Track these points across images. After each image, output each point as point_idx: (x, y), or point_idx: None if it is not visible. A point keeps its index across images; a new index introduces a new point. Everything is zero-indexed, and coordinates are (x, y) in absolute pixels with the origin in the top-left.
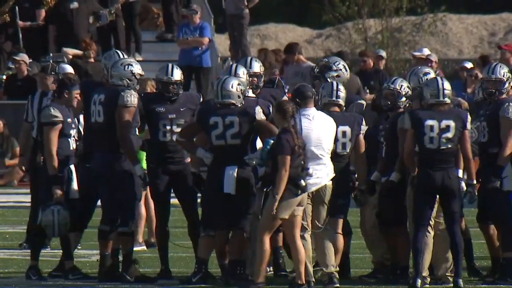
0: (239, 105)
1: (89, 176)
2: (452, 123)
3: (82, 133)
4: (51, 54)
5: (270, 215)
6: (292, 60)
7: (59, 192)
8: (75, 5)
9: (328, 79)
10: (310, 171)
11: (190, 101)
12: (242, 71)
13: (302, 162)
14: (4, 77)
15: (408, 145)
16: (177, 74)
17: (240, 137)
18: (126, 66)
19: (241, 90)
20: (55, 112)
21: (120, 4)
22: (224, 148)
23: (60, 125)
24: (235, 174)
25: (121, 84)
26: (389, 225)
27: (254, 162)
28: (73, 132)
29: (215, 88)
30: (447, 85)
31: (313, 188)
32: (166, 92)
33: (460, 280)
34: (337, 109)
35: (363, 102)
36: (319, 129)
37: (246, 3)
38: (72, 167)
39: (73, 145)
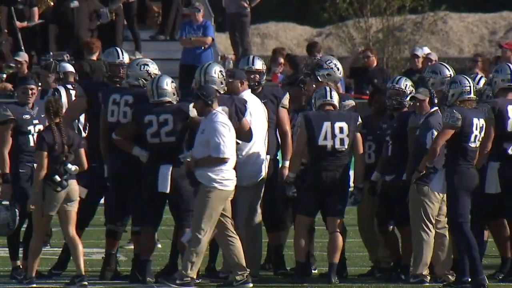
0: (174, 103)
1: (95, 175)
2: (484, 122)
3: (82, 132)
4: (51, 53)
5: (35, 212)
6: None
7: (6, 191)
8: (75, 4)
9: (318, 77)
10: (70, 167)
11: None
12: (259, 63)
13: (64, 158)
14: (4, 75)
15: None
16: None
17: (175, 135)
18: (142, 66)
19: (175, 87)
20: (4, 111)
21: (122, 3)
22: (159, 146)
23: (11, 124)
24: (170, 173)
25: (137, 84)
26: (389, 225)
27: (188, 160)
28: (33, 128)
29: (149, 87)
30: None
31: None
32: None
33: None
34: (332, 108)
35: None
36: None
37: (248, 2)
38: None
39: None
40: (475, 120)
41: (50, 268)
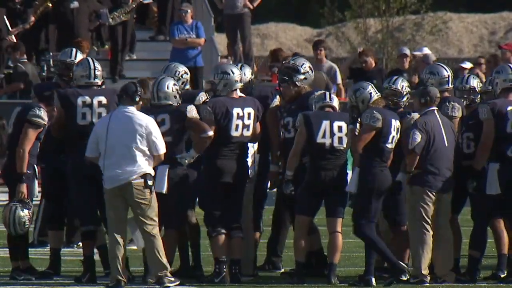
0: (175, 105)
1: (59, 175)
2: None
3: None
4: (51, 53)
5: None
6: (318, 56)
7: (23, 190)
8: (75, 4)
9: (297, 82)
10: None
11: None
12: (248, 71)
13: None
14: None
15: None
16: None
17: (172, 134)
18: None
19: (176, 90)
20: (44, 115)
21: (135, 5)
22: None
23: (41, 129)
24: (166, 173)
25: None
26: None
27: (186, 161)
28: (41, 135)
29: (151, 89)
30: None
31: (115, 184)
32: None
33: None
34: (331, 110)
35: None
36: (125, 127)
37: (249, 3)
38: (36, 167)
39: (38, 146)
40: (393, 122)
41: (45, 269)
